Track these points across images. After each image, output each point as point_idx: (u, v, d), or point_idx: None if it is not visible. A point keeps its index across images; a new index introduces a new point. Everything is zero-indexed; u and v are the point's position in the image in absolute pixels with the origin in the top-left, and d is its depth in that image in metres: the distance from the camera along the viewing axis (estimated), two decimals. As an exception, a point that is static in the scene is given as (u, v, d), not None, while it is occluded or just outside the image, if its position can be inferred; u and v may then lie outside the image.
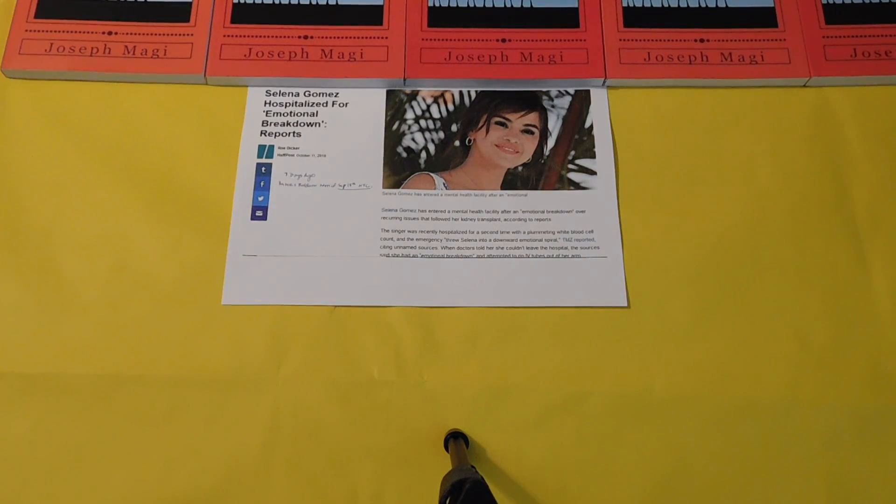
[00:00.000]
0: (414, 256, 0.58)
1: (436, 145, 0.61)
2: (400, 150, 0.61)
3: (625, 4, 0.65)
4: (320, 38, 0.63)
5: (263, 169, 0.60)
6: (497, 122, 0.62)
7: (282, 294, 0.57)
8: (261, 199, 0.60)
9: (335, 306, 0.56)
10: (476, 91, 0.63)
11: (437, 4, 0.64)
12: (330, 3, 0.64)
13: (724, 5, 0.65)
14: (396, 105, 0.63)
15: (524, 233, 0.59)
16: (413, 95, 0.63)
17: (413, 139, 0.62)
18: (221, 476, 0.52)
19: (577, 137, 0.62)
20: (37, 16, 0.63)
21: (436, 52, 0.63)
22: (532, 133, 0.62)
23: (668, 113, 0.62)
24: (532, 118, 0.62)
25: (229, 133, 0.61)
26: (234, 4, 0.64)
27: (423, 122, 0.62)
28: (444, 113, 0.62)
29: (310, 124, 0.62)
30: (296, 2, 0.64)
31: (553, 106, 0.63)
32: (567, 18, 0.64)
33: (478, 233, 0.59)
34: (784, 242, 0.58)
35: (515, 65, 0.62)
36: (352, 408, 0.54)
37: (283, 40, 0.63)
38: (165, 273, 0.57)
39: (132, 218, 0.58)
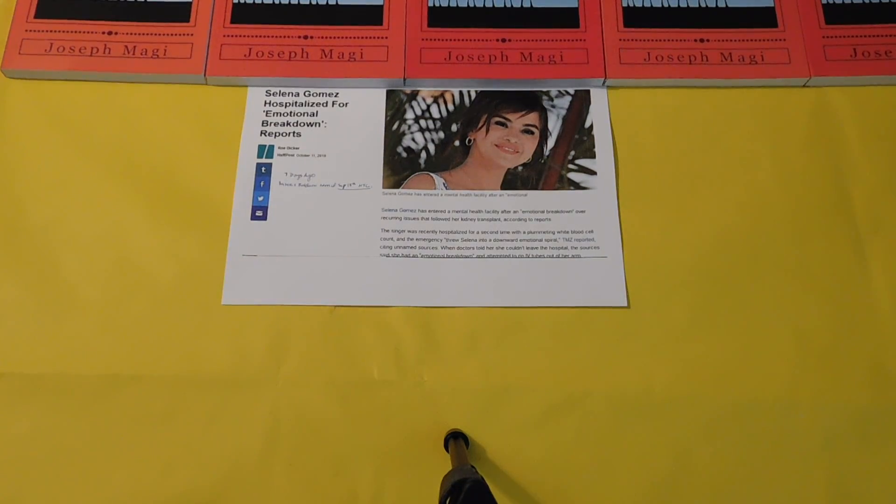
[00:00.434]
0: (414, 256, 0.58)
1: (436, 145, 0.61)
2: (400, 150, 0.61)
3: (625, 4, 0.65)
4: (320, 38, 0.63)
5: (263, 169, 0.60)
6: (497, 122, 0.62)
7: (282, 294, 0.57)
8: (261, 199, 0.60)
9: (335, 306, 0.56)
10: (476, 91, 0.63)
11: (437, 4, 0.64)
12: (330, 3, 0.64)
13: (724, 5, 0.65)
14: (396, 105, 0.63)
15: (524, 233, 0.59)
16: (413, 95, 0.63)
17: (413, 139, 0.62)
18: (221, 476, 0.52)
19: (577, 137, 0.62)
20: (37, 16, 0.63)
21: (436, 52, 0.63)
22: (532, 133, 0.62)
23: (668, 113, 0.62)
24: (532, 118, 0.62)
25: (229, 133, 0.61)
26: (234, 4, 0.64)
27: (423, 122, 0.62)
28: (444, 113, 0.62)
29: (310, 124, 0.62)
30: (296, 2, 0.64)
31: (553, 106, 0.63)
32: (567, 18, 0.64)
33: (478, 233, 0.59)
34: (784, 242, 0.58)
35: (515, 65, 0.62)
36: (352, 408, 0.54)
37: (283, 40, 0.63)
38: (165, 273, 0.57)
39: (132, 218, 0.58)
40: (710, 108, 0.62)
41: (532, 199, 0.60)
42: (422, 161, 0.61)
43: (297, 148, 0.61)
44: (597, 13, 0.64)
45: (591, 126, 0.62)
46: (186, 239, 0.58)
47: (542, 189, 0.60)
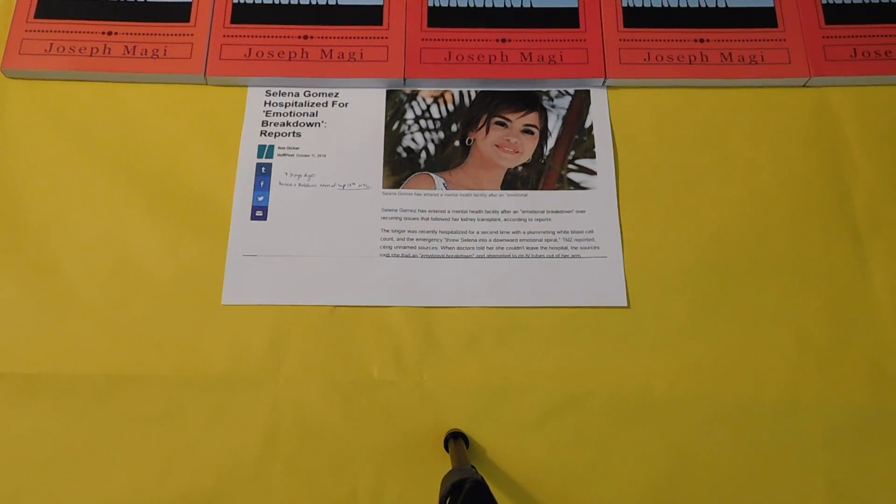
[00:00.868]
0: (414, 256, 0.58)
1: (436, 145, 0.61)
2: (400, 150, 0.61)
3: (625, 4, 0.65)
4: (320, 38, 0.63)
5: (263, 169, 0.61)
6: (497, 122, 0.62)
7: (282, 294, 0.57)
8: (261, 199, 0.60)
9: (335, 306, 0.56)
10: (476, 91, 0.63)
11: (437, 4, 0.64)
12: (330, 3, 0.64)
13: (724, 5, 0.65)
14: (396, 105, 0.63)
15: (524, 233, 0.59)
16: (413, 95, 0.63)
17: (413, 139, 0.62)
18: (221, 476, 0.52)
19: (577, 137, 0.62)
20: (37, 16, 0.63)
21: (436, 52, 0.63)
22: (532, 133, 0.62)
23: (668, 113, 0.62)
24: (532, 118, 0.62)
25: (229, 133, 0.61)
26: (234, 4, 0.64)
27: (423, 122, 0.62)
28: (444, 113, 0.63)
29: (310, 124, 0.62)
30: (296, 2, 0.64)
31: (553, 106, 0.63)
32: (567, 18, 0.64)
33: (478, 233, 0.59)
34: (784, 242, 0.58)
35: (515, 65, 0.62)
36: (352, 407, 0.54)
37: (282, 40, 0.63)
38: (165, 273, 0.57)
39: (132, 218, 0.58)
40: (710, 109, 0.62)
41: (532, 199, 0.60)
42: (422, 161, 0.61)
43: (297, 148, 0.61)
44: (597, 13, 0.64)
45: (591, 126, 0.62)
46: (186, 239, 0.58)
47: (542, 189, 0.60)
